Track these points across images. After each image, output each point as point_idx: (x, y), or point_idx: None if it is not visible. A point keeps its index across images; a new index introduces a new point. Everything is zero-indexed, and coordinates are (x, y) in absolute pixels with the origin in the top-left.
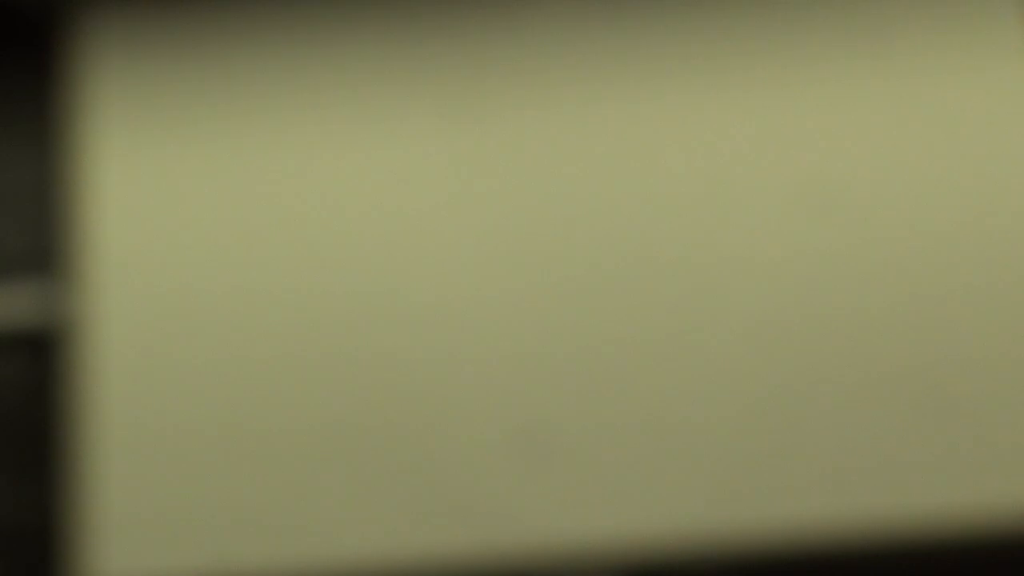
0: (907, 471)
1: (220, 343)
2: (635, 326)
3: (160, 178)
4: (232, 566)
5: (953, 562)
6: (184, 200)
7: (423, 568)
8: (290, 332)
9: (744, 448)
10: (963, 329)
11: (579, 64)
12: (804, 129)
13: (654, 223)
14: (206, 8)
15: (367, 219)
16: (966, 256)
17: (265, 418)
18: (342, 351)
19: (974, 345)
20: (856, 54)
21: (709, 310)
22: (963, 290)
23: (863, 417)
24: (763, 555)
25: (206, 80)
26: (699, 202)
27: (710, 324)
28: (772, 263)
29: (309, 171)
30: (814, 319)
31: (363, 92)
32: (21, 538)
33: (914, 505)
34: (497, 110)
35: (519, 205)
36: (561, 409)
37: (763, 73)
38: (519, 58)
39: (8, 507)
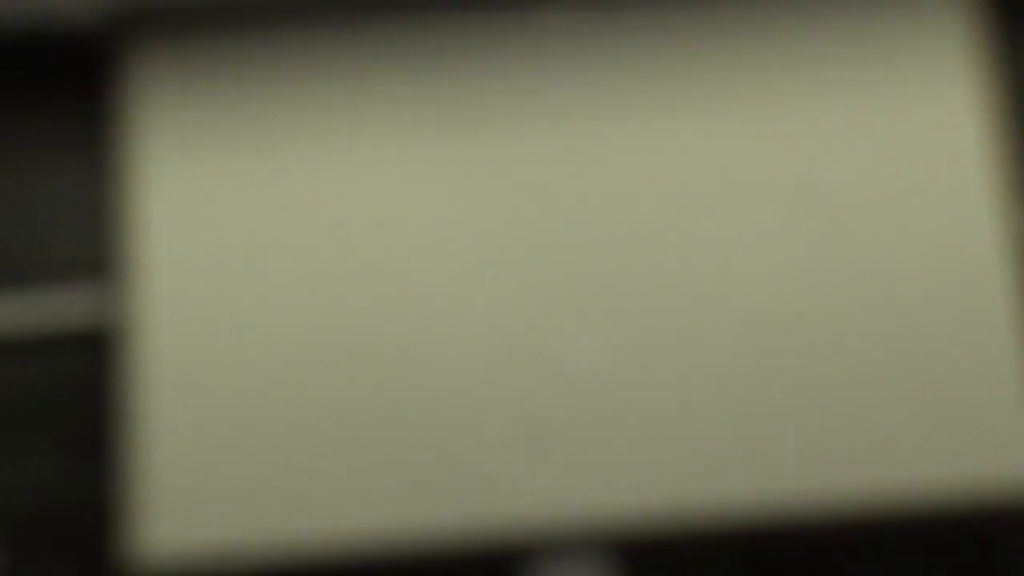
0: (875, 450)
1: (252, 341)
2: (627, 322)
3: (201, 194)
4: (262, 541)
5: (916, 535)
6: (222, 214)
7: (429, 541)
8: (312, 331)
9: (727, 430)
10: (921, 325)
11: (570, 94)
12: (776, 150)
13: (641, 233)
14: (244, 43)
15: (380, 231)
16: (923, 260)
17: (292, 408)
18: (360, 349)
19: (932, 339)
20: (816, 86)
21: (696, 309)
22: (920, 291)
23: (837, 403)
24: (744, 528)
25: (243, 107)
26: (683, 215)
27: (697, 321)
28: (750, 264)
29: (332, 189)
30: (790, 319)
31: (379, 120)
32: (80, 514)
33: (883, 480)
34: (495, 136)
35: (516, 219)
36: (555, 399)
37: (739, 101)
38: (515, 90)
39: (69, 486)
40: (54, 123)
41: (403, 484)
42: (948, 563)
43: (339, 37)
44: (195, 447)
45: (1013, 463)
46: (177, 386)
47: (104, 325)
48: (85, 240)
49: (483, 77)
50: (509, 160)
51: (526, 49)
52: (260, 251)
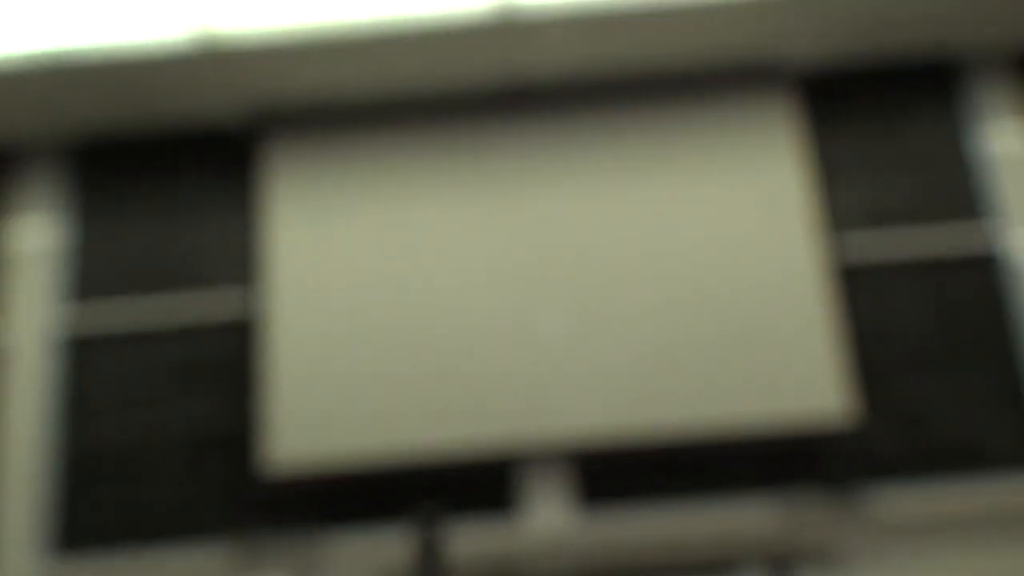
0: (735, 394)
1: (343, 327)
2: (579, 307)
3: (311, 234)
4: (351, 453)
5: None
6: (324, 246)
7: (452, 452)
8: (384, 319)
9: (645, 377)
10: (764, 315)
11: (560, 169)
12: (667, 206)
13: (587, 256)
14: (346, 135)
15: (428, 253)
16: (760, 272)
17: (367, 368)
18: (415, 328)
19: (772, 323)
20: (689, 168)
21: (620, 300)
22: (760, 293)
23: (716, 362)
24: (663, 443)
25: (342, 177)
26: (611, 247)
27: (621, 307)
28: (652, 274)
29: (405, 237)
30: (681, 309)
31: (438, 189)
32: (231, 435)
33: (739, 412)
34: (498, 200)
35: (512, 249)
36: (534, 357)
37: (645, 179)
38: (511, 172)
39: (224, 419)
40: (218, 189)
41: (436, 413)
42: (779, 468)
43: (408, 130)
44: (305, 394)
45: (824, 400)
46: (293, 356)
47: (247, 316)
48: (237, 263)
49: (494, 164)
50: (509, 215)
51: (523, 146)
52: (349, 268)
